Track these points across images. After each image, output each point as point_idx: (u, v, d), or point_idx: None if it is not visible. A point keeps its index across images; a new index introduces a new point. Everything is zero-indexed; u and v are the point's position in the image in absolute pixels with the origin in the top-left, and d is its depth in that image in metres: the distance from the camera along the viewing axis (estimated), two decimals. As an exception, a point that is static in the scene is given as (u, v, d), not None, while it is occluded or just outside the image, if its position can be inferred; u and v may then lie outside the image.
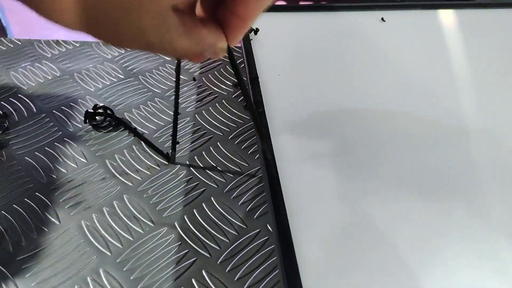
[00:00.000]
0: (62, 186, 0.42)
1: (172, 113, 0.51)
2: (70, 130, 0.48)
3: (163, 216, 0.40)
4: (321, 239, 0.33)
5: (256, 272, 0.36)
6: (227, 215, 0.40)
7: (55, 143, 0.47)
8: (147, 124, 0.50)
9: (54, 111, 0.51)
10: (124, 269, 0.36)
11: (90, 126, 0.49)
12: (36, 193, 0.42)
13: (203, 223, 0.40)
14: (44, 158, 0.45)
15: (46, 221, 0.39)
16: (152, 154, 0.46)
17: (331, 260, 0.32)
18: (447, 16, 0.62)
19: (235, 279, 0.35)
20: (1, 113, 0.50)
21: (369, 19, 0.60)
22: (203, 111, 0.52)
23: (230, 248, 0.38)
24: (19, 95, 0.53)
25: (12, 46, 0.61)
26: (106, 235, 0.38)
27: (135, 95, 0.54)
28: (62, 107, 0.51)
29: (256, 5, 0.19)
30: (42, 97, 0.52)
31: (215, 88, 0.55)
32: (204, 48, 0.20)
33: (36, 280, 0.35)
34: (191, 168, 0.45)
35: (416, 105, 0.46)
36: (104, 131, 0.48)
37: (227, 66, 0.59)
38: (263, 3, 0.19)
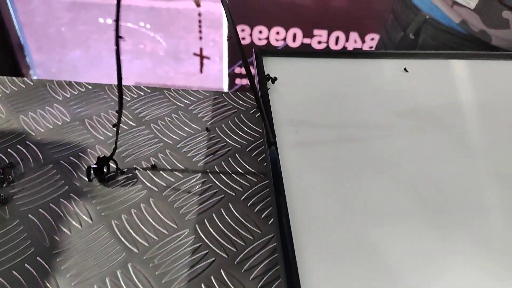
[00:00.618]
0: (65, 251, 0.40)
1: (183, 168, 0.49)
2: (77, 184, 0.46)
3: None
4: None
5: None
6: (237, 293, 0.38)
7: (61, 199, 0.45)
8: (156, 179, 0.47)
9: (61, 161, 0.49)
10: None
11: (97, 180, 0.47)
12: (38, 258, 0.39)
13: (211, 301, 0.37)
14: (48, 217, 0.43)
15: (45, 293, 0.37)
16: (162, 216, 0.44)
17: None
18: (472, 66, 0.59)
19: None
20: (8, 163, 0.48)
21: (391, 67, 0.58)
22: (215, 166, 0.49)
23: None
24: (27, 142, 0.51)
25: (24, 86, 0.60)
26: (107, 312, 0.36)
27: (145, 145, 0.52)
28: (70, 157, 0.49)
29: None
30: (51, 145, 0.51)
31: (228, 140, 0.53)
32: None
33: None
34: (200, 233, 0.42)
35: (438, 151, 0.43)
36: (112, 187, 0.46)
37: (241, 115, 0.57)
38: None
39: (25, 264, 0.39)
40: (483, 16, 0.62)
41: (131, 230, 0.42)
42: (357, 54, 0.60)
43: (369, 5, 1.49)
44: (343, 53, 0.60)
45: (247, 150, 0.52)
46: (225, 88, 1.90)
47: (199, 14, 1.98)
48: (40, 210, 0.44)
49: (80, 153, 0.50)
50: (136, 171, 0.48)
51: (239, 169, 0.49)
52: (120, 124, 0.54)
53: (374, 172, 0.43)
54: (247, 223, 0.43)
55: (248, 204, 0.45)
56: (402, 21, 0.72)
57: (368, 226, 0.37)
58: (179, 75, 2.26)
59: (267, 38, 1.63)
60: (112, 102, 0.58)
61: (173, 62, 2.31)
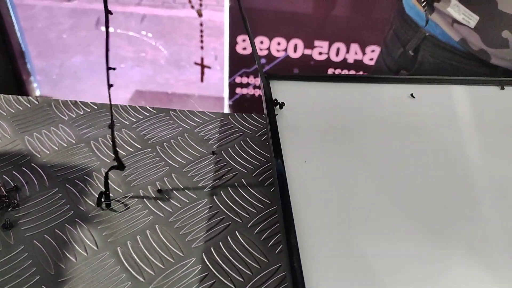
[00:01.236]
0: (70, 280, 0.40)
1: (190, 193, 0.49)
2: (82, 209, 0.46)
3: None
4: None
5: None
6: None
7: (66, 224, 0.45)
8: (162, 204, 0.47)
9: (67, 185, 0.49)
10: None
11: (103, 205, 0.47)
12: (43, 286, 0.39)
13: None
14: (53, 243, 0.43)
15: (51, 324, 0.37)
16: (168, 244, 0.43)
17: None
18: (479, 92, 0.59)
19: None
20: (13, 186, 0.48)
21: (398, 92, 0.58)
22: (221, 192, 0.49)
23: None
24: (32, 164, 0.51)
25: (29, 105, 0.59)
26: None
27: (151, 169, 0.51)
28: (76, 181, 0.49)
29: None
30: (56, 168, 0.51)
31: (234, 164, 0.53)
32: None
33: None
34: (207, 262, 0.42)
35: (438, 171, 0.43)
36: (117, 212, 0.46)
37: (247, 139, 0.57)
38: None
39: (31, 293, 0.39)
40: (482, 35, 0.62)
41: (137, 258, 0.42)
42: (364, 78, 0.60)
43: (369, 17, 1.50)
44: (351, 78, 0.60)
45: (253, 175, 0.52)
46: (226, 97, 1.90)
47: (201, 24, 1.99)
48: (45, 235, 0.43)
49: (85, 176, 0.50)
50: (142, 196, 0.48)
51: (245, 195, 0.49)
52: (125, 146, 0.54)
53: (386, 202, 0.43)
54: (254, 252, 0.43)
55: (255, 232, 0.45)
56: (401, 37, 0.73)
57: (378, 251, 0.37)
58: (180, 82, 2.26)
59: (268, 49, 1.63)
60: (117, 123, 0.58)
61: (174, 69, 2.31)
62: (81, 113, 0.59)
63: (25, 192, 0.48)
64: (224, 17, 1.60)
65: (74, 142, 0.54)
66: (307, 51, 1.61)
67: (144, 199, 0.48)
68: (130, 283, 0.40)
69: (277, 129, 0.49)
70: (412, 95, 0.57)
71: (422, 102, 0.57)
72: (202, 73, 2.08)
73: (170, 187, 0.49)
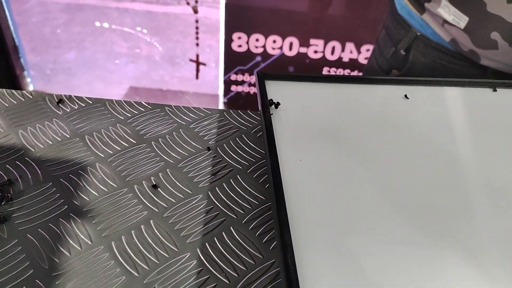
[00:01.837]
0: (64, 274, 0.40)
1: (185, 189, 0.49)
2: (77, 204, 0.46)
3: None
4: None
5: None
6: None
7: (60, 219, 0.44)
8: (157, 199, 0.47)
9: (61, 179, 0.48)
10: None
11: (97, 200, 0.46)
12: (36, 281, 0.39)
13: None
14: (47, 237, 0.43)
15: (44, 318, 0.37)
16: (162, 239, 0.43)
17: None
18: (473, 94, 0.60)
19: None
20: (6, 180, 0.47)
21: (393, 93, 0.58)
22: (216, 187, 0.49)
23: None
24: (26, 158, 0.51)
25: (23, 100, 0.59)
26: None
27: (146, 164, 0.51)
28: (70, 175, 0.49)
29: None
30: (50, 162, 0.50)
31: (230, 161, 0.53)
32: None
33: None
34: (202, 257, 0.42)
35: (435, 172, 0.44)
36: (112, 207, 0.46)
37: (243, 135, 0.57)
38: None
39: (23, 287, 0.39)
40: (472, 36, 0.63)
41: (131, 253, 0.42)
42: (359, 79, 0.61)
43: (365, 16, 1.50)
44: (345, 78, 0.60)
45: (248, 171, 0.52)
46: (221, 94, 1.90)
47: (196, 21, 1.98)
48: (39, 230, 0.43)
49: (80, 171, 0.50)
50: (137, 191, 0.48)
51: (240, 191, 0.49)
52: (120, 141, 0.54)
53: (380, 201, 0.43)
54: (249, 248, 0.43)
55: (250, 228, 0.45)
56: (393, 36, 0.73)
57: (371, 250, 0.38)
58: (174, 79, 2.25)
59: (264, 47, 1.63)
60: (112, 118, 0.57)
61: (169, 66, 2.30)
62: (76, 108, 0.59)
63: (19, 186, 0.47)
64: (220, 14, 1.59)
65: (68, 136, 0.54)
66: (303, 49, 1.62)
67: (139, 194, 0.48)
68: (124, 278, 0.40)
69: (272, 129, 0.49)
70: (406, 96, 0.57)
71: (415, 103, 0.57)
72: (197, 70, 2.07)
73: (165, 183, 0.49)
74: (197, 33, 2.04)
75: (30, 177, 0.48)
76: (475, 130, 0.54)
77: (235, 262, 0.42)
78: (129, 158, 0.52)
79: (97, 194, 0.47)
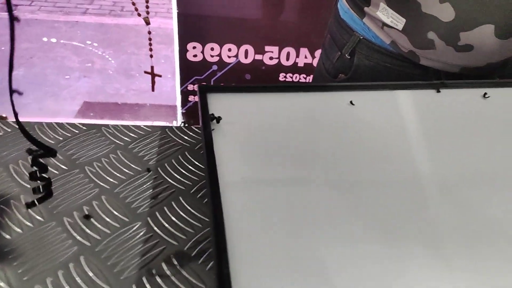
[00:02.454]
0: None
1: (121, 217, 0.45)
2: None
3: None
4: None
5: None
6: None
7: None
8: (89, 231, 0.43)
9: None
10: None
11: (21, 238, 0.42)
12: None
13: None
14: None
15: None
16: (94, 277, 0.39)
17: None
18: (417, 96, 0.59)
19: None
20: None
21: (338, 100, 0.57)
22: (156, 212, 0.46)
23: None
24: None
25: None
26: None
27: (78, 192, 0.47)
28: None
29: None
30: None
31: (171, 181, 0.49)
32: None
33: None
34: (138, 294, 0.38)
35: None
36: (37, 244, 0.41)
37: (185, 152, 0.54)
38: None
39: None
40: (410, 37, 0.63)
41: (59, 295, 0.38)
42: (303, 87, 0.59)
43: (317, 21, 1.51)
44: (289, 87, 0.58)
45: (191, 192, 0.48)
46: (178, 105, 1.85)
47: (149, 32, 1.93)
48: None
49: (1, 205, 0.45)
50: (66, 223, 0.44)
51: (183, 214, 0.46)
52: (50, 169, 0.49)
53: (330, 209, 0.41)
54: (191, 278, 0.40)
55: (192, 254, 0.42)
56: (338, 41, 0.73)
57: (318, 254, 0.35)
58: (130, 92, 2.18)
59: (219, 55, 1.61)
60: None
61: (124, 79, 2.23)
62: (0, 134, 0.53)
63: None
64: (173, 25, 1.56)
65: (-10, 166, 0.49)
66: (258, 57, 1.61)
67: (69, 227, 0.43)
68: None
69: (212, 145, 0.46)
70: (351, 102, 0.56)
71: (361, 109, 0.56)
72: (153, 82, 2.02)
73: (99, 211, 0.45)
74: (150, 44, 1.99)
75: None
76: (421, 131, 0.54)
77: (175, 294, 0.39)
78: (59, 187, 0.47)
79: (20, 231, 0.42)
